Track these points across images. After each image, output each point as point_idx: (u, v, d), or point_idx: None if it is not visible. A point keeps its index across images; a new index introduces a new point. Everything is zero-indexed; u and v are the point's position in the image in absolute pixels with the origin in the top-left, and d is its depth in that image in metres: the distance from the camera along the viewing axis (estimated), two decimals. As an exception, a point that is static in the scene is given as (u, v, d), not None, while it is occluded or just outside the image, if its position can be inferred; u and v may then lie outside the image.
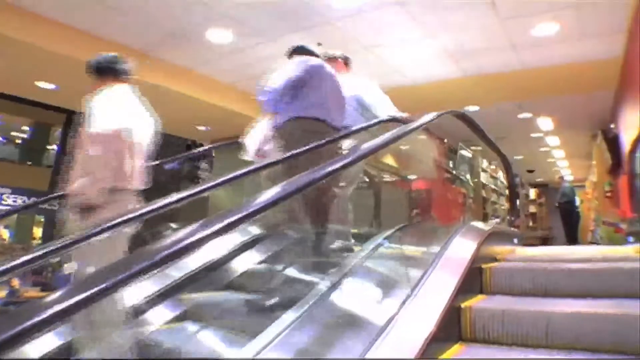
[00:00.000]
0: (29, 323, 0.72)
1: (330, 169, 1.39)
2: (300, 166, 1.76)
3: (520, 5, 4.81)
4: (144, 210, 1.52)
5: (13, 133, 12.24)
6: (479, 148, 8.81)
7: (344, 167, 1.46)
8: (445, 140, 7.26)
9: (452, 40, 5.65)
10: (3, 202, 7.93)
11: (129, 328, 2.08)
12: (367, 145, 1.69)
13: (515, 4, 4.78)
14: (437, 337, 1.62)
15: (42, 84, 6.53)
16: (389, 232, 3.05)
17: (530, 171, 14.63)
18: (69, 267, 2.15)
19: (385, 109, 3.35)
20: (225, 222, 1.04)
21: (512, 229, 4.54)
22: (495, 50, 5.91)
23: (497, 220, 8.07)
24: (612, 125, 7.43)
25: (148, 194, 2.36)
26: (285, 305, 1.95)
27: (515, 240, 3.90)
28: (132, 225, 1.95)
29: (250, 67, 6.29)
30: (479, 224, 3.18)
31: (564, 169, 14.53)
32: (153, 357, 2.13)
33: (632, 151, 3.91)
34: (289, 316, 1.85)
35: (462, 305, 1.99)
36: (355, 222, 3.44)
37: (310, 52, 3.02)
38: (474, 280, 2.33)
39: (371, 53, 5.97)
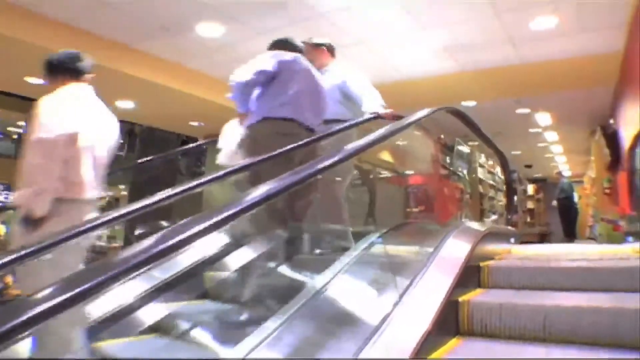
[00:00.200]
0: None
1: (301, 176, 1.28)
2: (264, 174, 1.64)
3: (518, -2, 4.69)
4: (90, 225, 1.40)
5: (9, 128, 12.14)
6: (476, 144, 8.71)
7: (319, 171, 1.36)
8: (442, 136, 7.17)
9: (448, 33, 5.52)
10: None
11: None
12: (351, 146, 1.59)
13: (513, -4, 4.66)
14: (432, 332, 1.60)
15: (31, 80, 6.42)
16: (383, 231, 2.96)
17: (528, 166, 14.59)
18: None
19: (371, 102, 3.11)
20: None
21: (509, 227, 4.45)
22: (492, 44, 5.79)
23: (495, 217, 7.98)
24: (611, 121, 7.34)
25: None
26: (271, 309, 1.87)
27: (512, 240, 3.83)
28: (87, 238, 1.81)
29: (241, 61, 6.12)
30: (474, 224, 3.09)
31: (562, 165, 14.50)
32: None
33: (632, 148, 3.83)
34: (274, 323, 1.76)
35: (460, 299, 1.97)
36: (349, 219, 3.33)
37: (292, 46, 2.86)
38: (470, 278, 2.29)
39: (365, 47, 5.85)
